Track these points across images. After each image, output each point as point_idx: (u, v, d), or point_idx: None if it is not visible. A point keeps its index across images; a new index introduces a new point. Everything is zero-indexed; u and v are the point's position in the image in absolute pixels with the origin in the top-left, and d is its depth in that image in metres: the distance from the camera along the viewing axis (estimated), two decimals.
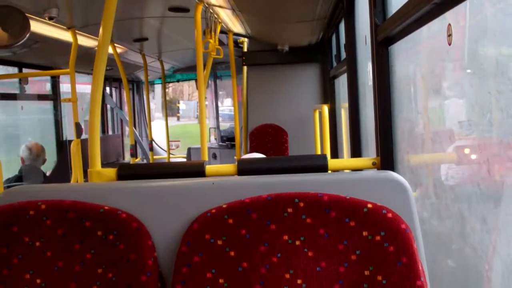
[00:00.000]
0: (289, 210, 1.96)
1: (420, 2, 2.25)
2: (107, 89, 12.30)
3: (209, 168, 2.56)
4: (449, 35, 2.14)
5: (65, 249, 2.08)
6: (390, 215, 1.91)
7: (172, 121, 16.74)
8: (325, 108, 5.76)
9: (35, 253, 2.08)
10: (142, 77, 11.62)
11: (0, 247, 2.08)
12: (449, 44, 2.15)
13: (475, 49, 2.07)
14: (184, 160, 12.41)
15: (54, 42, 6.74)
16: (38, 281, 2.07)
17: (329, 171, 2.47)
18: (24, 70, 8.12)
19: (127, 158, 13.00)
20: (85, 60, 7.48)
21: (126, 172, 2.55)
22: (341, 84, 6.43)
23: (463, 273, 2.34)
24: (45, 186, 2.35)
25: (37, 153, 7.45)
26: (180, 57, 10.88)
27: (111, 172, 2.63)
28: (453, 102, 2.40)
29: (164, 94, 10.93)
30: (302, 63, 8.47)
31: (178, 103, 34.77)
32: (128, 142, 11.56)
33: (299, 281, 1.94)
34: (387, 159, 3.10)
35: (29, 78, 8.40)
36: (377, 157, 2.92)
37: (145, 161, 11.88)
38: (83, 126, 6.68)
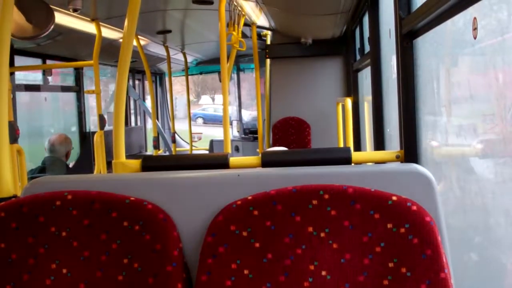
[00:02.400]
0: (314, 202, 1.97)
1: None
2: (130, 81, 12.33)
3: (232, 160, 2.57)
4: (474, 29, 2.13)
5: (91, 239, 2.10)
6: (414, 207, 1.91)
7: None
8: (348, 101, 5.75)
9: (61, 243, 2.10)
10: (165, 69, 11.64)
11: (27, 237, 2.10)
12: (475, 38, 2.15)
13: None
14: (207, 152, 12.44)
15: (78, 34, 6.76)
16: (64, 270, 2.09)
17: (352, 164, 2.47)
18: (48, 62, 8.15)
19: (150, 150, 13.05)
20: (109, 52, 7.51)
21: (151, 164, 2.57)
22: (365, 77, 6.41)
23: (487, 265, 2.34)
24: (70, 177, 2.37)
25: (60, 144, 7.46)
26: (203, 50, 10.89)
27: (136, 163, 2.64)
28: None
29: (187, 87, 10.92)
30: (325, 56, 8.46)
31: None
32: (150, 134, 11.60)
33: (323, 273, 1.94)
34: (411, 152, 3.10)
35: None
36: (401, 150, 2.91)
37: (167, 153, 11.91)
38: (106, 118, 6.71)
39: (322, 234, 1.96)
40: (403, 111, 3.15)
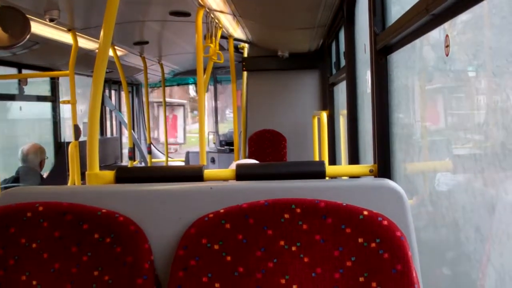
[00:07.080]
0: (286, 215, 1.97)
1: (419, 13, 2.27)
2: (106, 91, 12.27)
3: (207, 172, 2.57)
4: (447, 46, 2.16)
5: (61, 251, 2.09)
6: (385, 222, 1.92)
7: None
8: (324, 115, 5.78)
9: (31, 255, 2.09)
10: (142, 80, 11.62)
11: None
12: (447, 55, 2.17)
13: None
14: (183, 164, 12.40)
15: (54, 44, 6.74)
16: (34, 282, 2.07)
17: (327, 178, 2.48)
18: (24, 71, 8.10)
19: (125, 161, 12.98)
20: (85, 62, 7.49)
21: (124, 175, 2.56)
22: (340, 91, 6.45)
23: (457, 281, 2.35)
24: (42, 188, 2.35)
25: (33, 154, 7.41)
26: (181, 61, 10.88)
27: (109, 174, 2.63)
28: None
29: (164, 97, 10.91)
30: (302, 69, 8.50)
31: None
32: (126, 144, 11.54)
33: (294, 287, 1.94)
34: (384, 166, 3.12)
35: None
36: (374, 164, 2.93)
37: (143, 164, 11.87)
38: (81, 128, 6.68)
39: (294, 248, 1.97)
40: (377, 125, 3.17)
